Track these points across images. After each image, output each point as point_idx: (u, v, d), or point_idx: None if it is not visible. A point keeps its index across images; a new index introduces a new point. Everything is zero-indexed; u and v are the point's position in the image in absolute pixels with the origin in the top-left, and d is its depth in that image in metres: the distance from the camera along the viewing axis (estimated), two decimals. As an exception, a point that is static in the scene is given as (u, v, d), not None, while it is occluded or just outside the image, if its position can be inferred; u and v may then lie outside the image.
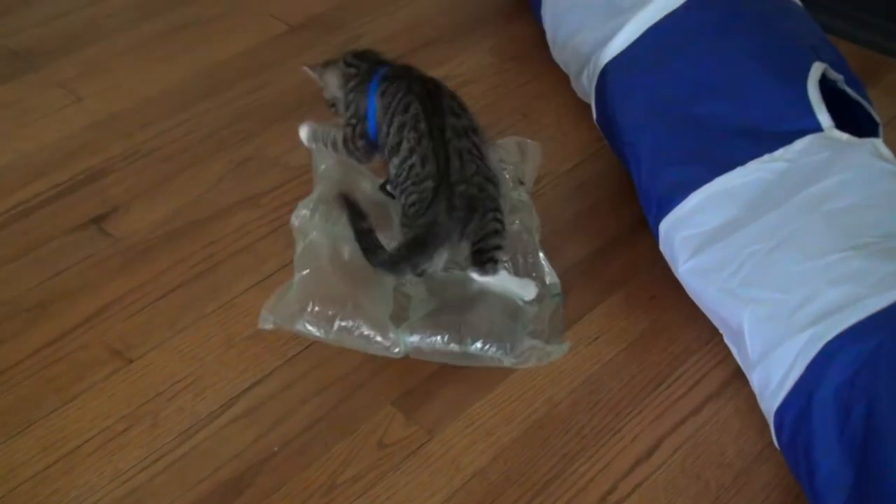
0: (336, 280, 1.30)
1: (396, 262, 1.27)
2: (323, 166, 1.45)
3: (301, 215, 1.38)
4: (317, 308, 1.25)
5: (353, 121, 1.39)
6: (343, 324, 1.25)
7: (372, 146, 1.39)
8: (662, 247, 1.36)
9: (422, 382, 1.28)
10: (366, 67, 1.41)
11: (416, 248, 1.26)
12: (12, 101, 1.73)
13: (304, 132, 1.48)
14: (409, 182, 1.30)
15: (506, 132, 1.64)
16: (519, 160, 1.46)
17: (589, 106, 1.62)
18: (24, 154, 1.62)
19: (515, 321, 1.27)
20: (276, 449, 1.21)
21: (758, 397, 1.21)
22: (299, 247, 1.35)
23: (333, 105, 1.44)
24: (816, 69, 1.35)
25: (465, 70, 1.79)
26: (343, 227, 1.32)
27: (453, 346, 1.25)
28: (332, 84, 1.43)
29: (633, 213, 1.46)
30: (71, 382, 1.28)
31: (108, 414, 1.24)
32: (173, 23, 1.92)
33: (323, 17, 1.92)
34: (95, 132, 1.66)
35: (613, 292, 1.41)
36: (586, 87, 1.60)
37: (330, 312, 1.25)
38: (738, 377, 1.28)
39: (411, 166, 1.30)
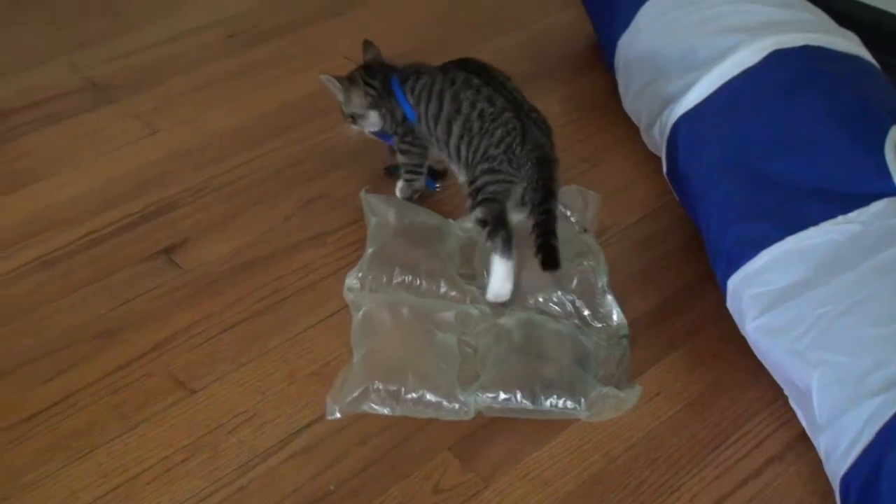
0: (396, 351, 1.30)
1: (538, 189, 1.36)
2: (374, 220, 1.47)
3: (352, 288, 1.39)
4: (380, 386, 1.25)
5: (396, 127, 1.55)
6: (409, 396, 1.25)
7: (422, 137, 1.53)
8: (730, 303, 1.35)
9: (480, 429, 1.28)
10: (380, 84, 1.54)
11: (545, 167, 1.38)
12: (91, 130, 1.77)
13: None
14: (486, 126, 1.41)
15: (574, 181, 1.63)
16: (583, 208, 1.45)
17: (659, 158, 1.62)
18: (99, 183, 1.66)
19: (586, 368, 1.27)
20: (332, 488, 1.21)
21: (823, 462, 1.19)
22: (354, 321, 1.35)
23: (352, 117, 1.57)
24: (894, 132, 1.33)
25: (534, 118, 1.80)
26: (396, 288, 1.36)
27: (525, 404, 1.25)
28: (357, 103, 1.55)
29: (700, 267, 1.45)
30: (134, 410, 1.29)
31: (169, 443, 1.25)
32: (247, 62, 1.96)
33: (396, 60, 1.93)
34: (168, 165, 1.69)
35: (677, 347, 1.39)
36: (657, 139, 1.60)
37: (393, 388, 1.25)
38: (801, 440, 1.26)
39: (481, 112, 1.42)
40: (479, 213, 1.41)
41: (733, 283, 1.33)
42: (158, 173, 1.67)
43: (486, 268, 1.38)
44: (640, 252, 1.53)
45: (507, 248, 1.38)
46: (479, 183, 1.42)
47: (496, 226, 1.39)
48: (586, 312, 1.35)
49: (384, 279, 1.39)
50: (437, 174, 1.64)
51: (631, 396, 1.27)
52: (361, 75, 1.56)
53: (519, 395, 1.24)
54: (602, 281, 1.38)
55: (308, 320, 1.42)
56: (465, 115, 1.44)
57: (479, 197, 1.41)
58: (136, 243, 1.54)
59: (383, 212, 1.49)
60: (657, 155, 1.64)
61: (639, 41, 1.71)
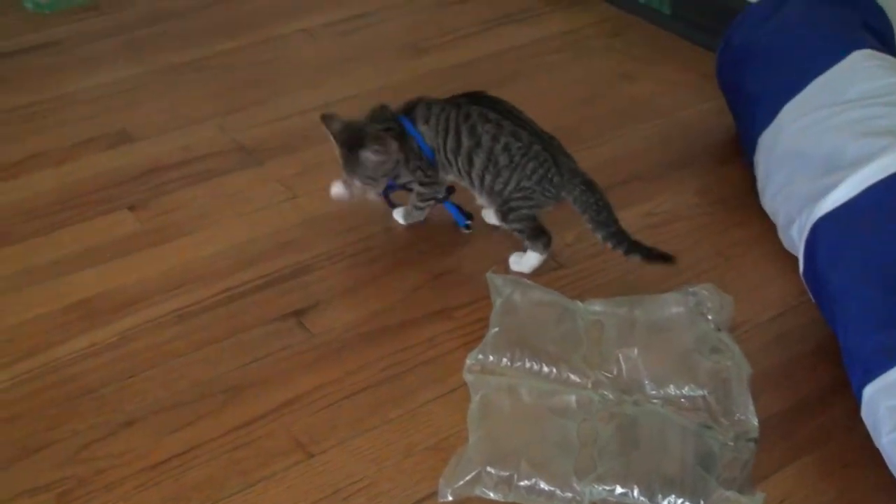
0: (511, 436, 1.29)
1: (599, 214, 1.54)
2: (500, 300, 1.47)
3: (472, 369, 1.39)
4: (493, 471, 1.24)
5: (415, 166, 1.62)
6: (522, 483, 1.24)
7: (435, 170, 1.63)
8: (864, 413, 1.30)
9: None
10: (393, 142, 1.59)
11: (594, 188, 1.55)
12: (236, 190, 1.84)
13: (398, 215, 1.73)
14: (515, 160, 1.53)
15: (706, 274, 1.62)
16: (718, 308, 1.43)
17: (795, 258, 1.58)
18: (238, 242, 1.71)
19: (708, 469, 1.23)
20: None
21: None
22: (473, 402, 1.35)
23: (373, 179, 1.63)
24: None
25: (668, 208, 1.79)
26: (517, 371, 1.36)
27: (643, 501, 1.22)
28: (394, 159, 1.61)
29: (834, 372, 1.41)
30: (255, 468, 1.31)
31: (285, 504, 1.27)
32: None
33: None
34: (305, 229, 1.74)
35: (804, 454, 1.34)
36: (795, 239, 1.57)
37: (506, 474, 1.24)
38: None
39: (506, 146, 1.54)
40: (515, 225, 1.60)
41: (869, 392, 1.28)
42: (295, 237, 1.72)
43: (612, 357, 1.37)
44: (771, 351, 1.50)
45: (547, 248, 1.60)
46: (512, 204, 1.58)
47: (536, 232, 1.60)
48: (717, 409, 1.32)
49: (506, 361, 1.39)
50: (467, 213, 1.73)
51: (753, 503, 1.23)
52: (372, 146, 1.59)
53: (636, 491, 1.22)
54: (741, 380, 1.35)
55: (429, 394, 1.42)
56: (488, 148, 1.55)
57: (512, 215, 1.59)
58: (268, 303, 1.58)
59: (508, 293, 1.49)
60: (794, 254, 1.60)
61: (781, 138, 1.69)
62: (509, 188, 1.56)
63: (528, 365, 1.38)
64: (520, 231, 1.60)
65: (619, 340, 1.40)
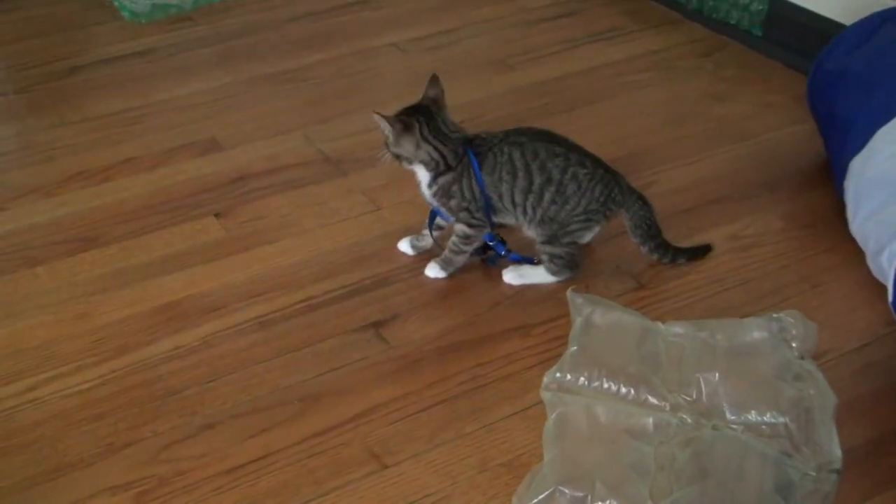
0: (586, 457, 1.28)
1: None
2: (579, 320, 1.46)
3: (549, 387, 1.37)
4: (567, 491, 1.23)
5: (466, 204, 1.60)
6: (596, 505, 1.23)
7: (488, 215, 1.62)
8: (952, 450, 1.26)
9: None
10: (451, 154, 1.58)
11: (646, 204, 1.63)
12: (319, 201, 1.86)
13: (404, 246, 1.72)
14: (584, 185, 1.58)
15: (790, 300, 1.59)
16: (803, 335, 1.40)
17: (883, 286, 1.55)
18: (320, 252, 1.73)
19: (787, 499, 1.20)
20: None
21: None
22: (549, 421, 1.34)
23: (398, 157, 1.61)
24: None
25: (753, 232, 1.76)
26: (594, 391, 1.34)
27: (718, 528, 1.20)
28: (408, 150, 1.59)
29: (922, 407, 1.37)
30: (328, 477, 1.33)
31: (358, 514, 1.28)
32: (473, 148, 2.01)
33: (618, 161, 1.92)
34: (387, 241, 1.75)
35: (887, 489, 1.31)
36: (885, 266, 1.53)
37: (580, 495, 1.22)
38: None
39: (574, 175, 1.57)
40: (557, 249, 1.62)
41: (959, 428, 1.24)
42: (377, 248, 1.73)
43: (692, 380, 1.35)
44: (857, 381, 1.46)
45: (564, 276, 1.64)
46: (570, 227, 1.61)
47: (570, 263, 1.64)
48: (798, 438, 1.29)
49: (583, 381, 1.37)
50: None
51: (834, 536, 1.20)
52: (421, 127, 1.58)
53: (711, 516, 1.20)
54: (825, 409, 1.31)
55: (505, 410, 1.42)
56: (558, 181, 1.57)
57: (567, 238, 1.61)
58: (348, 314, 1.60)
59: (588, 312, 1.48)
60: (882, 283, 1.57)
61: (873, 164, 1.65)
62: (576, 211, 1.59)
63: (605, 385, 1.36)
64: (559, 257, 1.62)
65: (699, 364, 1.37)
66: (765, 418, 1.30)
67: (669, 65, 2.32)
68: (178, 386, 1.47)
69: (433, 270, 1.67)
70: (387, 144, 1.61)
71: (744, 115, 2.11)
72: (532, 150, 1.58)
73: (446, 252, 1.66)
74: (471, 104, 2.15)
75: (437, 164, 1.59)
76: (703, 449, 1.27)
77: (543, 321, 1.57)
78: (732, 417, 1.31)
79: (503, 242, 1.68)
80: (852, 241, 1.69)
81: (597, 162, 1.60)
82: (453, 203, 1.61)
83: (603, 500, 1.22)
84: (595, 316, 1.46)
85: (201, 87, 2.24)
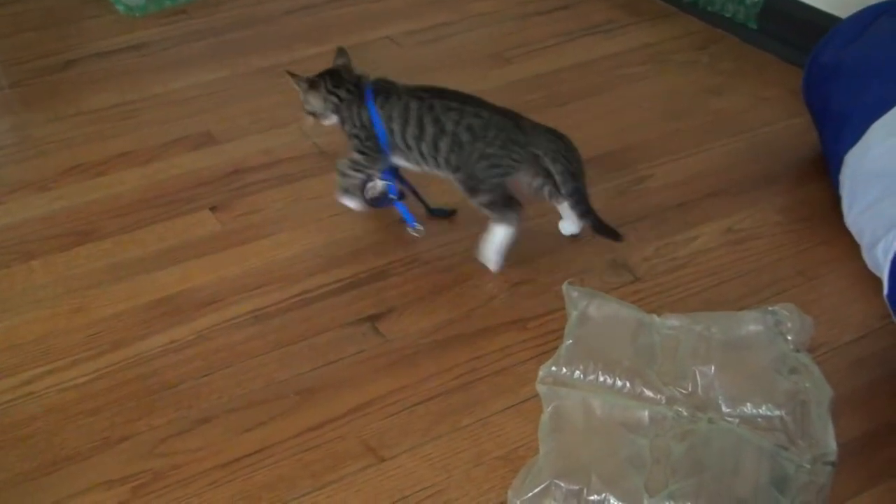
0: (582, 450, 1.28)
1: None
2: (575, 313, 1.46)
3: (545, 380, 1.38)
4: (563, 485, 1.23)
5: (356, 131, 1.69)
6: (592, 498, 1.22)
7: (382, 149, 1.68)
8: (947, 442, 1.26)
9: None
10: (346, 92, 1.69)
11: (562, 138, 1.62)
12: (315, 195, 1.86)
13: (343, 200, 1.77)
14: (478, 133, 1.59)
15: (786, 293, 1.59)
16: (798, 329, 1.40)
17: (879, 279, 1.55)
18: (315, 246, 1.73)
19: (782, 492, 1.21)
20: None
21: None
22: (544, 414, 1.34)
23: (313, 114, 1.72)
24: None
25: (749, 225, 1.76)
26: (590, 384, 1.34)
27: (714, 520, 1.20)
28: (315, 105, 1.71)
29: (917, 399, 1.37)
30: (325, 470, 1.33)
31: (354, 508, 1.28)
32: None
33: (614, 155, 1.95)
34: (383, 235, 1.75)
35: (882, 482, 1.31)
36: (880, 259, 1.53)
37: (575, 488, 1.23)
38: None
39: (469, 126, 1.60)
40: (483, 198, 1.63)
41: (953, 420, 1.25)
42: (373, 242, 1.73)
43: (688, 373, 1.35)
44: (851, 374, 1.47)
45: (515, 221, 1.63)
46: (479, 175, 1.62)
47: (506, 203, 1.63)
48: (794, 430, 1.30)
49: (579, 374, 1.38)
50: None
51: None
52: (325, 82, 1.70)
53: (707, 509, 1.20)
54: (820, 402, 1.32)
55: (501, 403, 1.42)
56: (451, 132, 1.61)
57: (482, 186, 1.62)
58: (343, 307, 1.60)
59: (584, 305, 1.48)
60: (877, 276, 1.57)
61: (869, 157, 1.65)
62: (473, 158, 1.61)
63: (601, 378, 1.36)
64: (490, 203, 1.63)
65: (695, 357, 1.38)
66: (760, 411, 1.30)
67: (665, 58, 2.32)
68: (174, 380, 1.47)
69: (341, 197, 1.78)
70: (305, 109, 1.72)
71: (740, 108, 2.11)
72: (429, 105, 1.63)
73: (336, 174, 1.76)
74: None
75: (338, 106, 1.70)
76: (698, 442, 1.27)
77: (539, 315, 1.57)
78: (728, 410, 1.31)
79: (402, 195, 1.77)
80: (848, 234, 1.69)
81: (495, 110, 1.63)
82: (346, 127, 1.71)
83: (599, 494, 1.22)
84: (591, 309, 1.47)
85: (196, 80, 2.24)
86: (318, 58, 2.32)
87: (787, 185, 1.89)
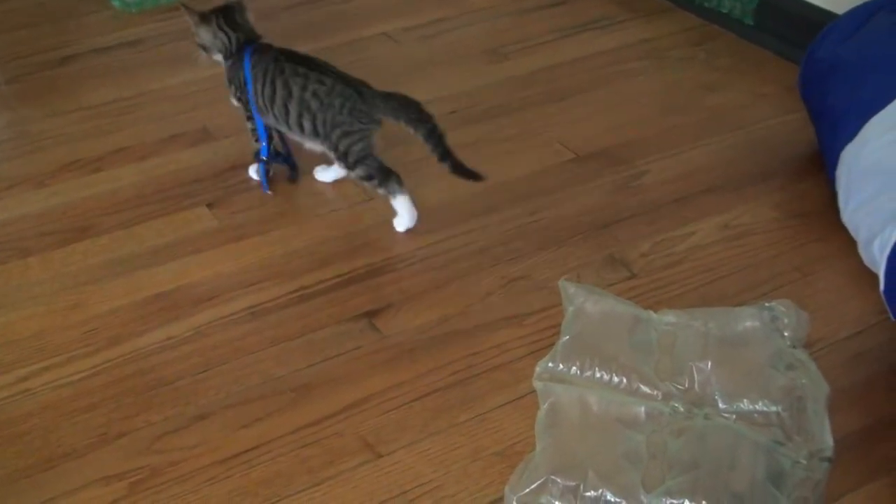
0: (579, 446, 1.28)
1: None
2: (571, 309, 1.46)
3: (542, 376, 1.38)
4: (559, 480, 1.23)
5: (238, 92, 1.81)
6: (589, 494, 1.22)
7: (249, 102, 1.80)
8: (943, 437, 1.27)
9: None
10: (235, 42, 1.79)
11: (401, 97, 1.71)
12: (314, 191, 1.86)
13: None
14: (324, 101, 1.70)
15: (782, 289, 1.60)
16: (795, 325, 1.40)
17: (875, 275, 1.55)
18: (312, 242, 1.73)
19: (779, 488, 1.21)
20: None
21: None
22: (541, 410, 1.34)
23: (203, 47, 1.82)
24: None
25: (746, 221, 1.77)
26: (587, 380, 1.35)
27: (710, 514, 1.20)
28: (206, 39, 1.80)
29: (913, 395, 1.38)
30: (322, 466, 1.33)
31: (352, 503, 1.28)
32: (465, 139, 2.00)
33: (610, 151, 1.95)
34: (381, 231, 1.75)
35: (879, 477, 1.32)
36: (877, 255, 1.54)
37: (572, 484, 1.23)
38: None
39: (315, 92, 1.70)
40: (360, 171, 1.73)
41: (949, 416, 1.25)
42: (371, 238, 1.73)
43: (684, 369, 1.35)
44: (847, 370, 1.47)
45: (401, 184, 1.72)
46: (342, 148, 1.72)
47: (382, 174, 1.72)
48: (790, 426, 1.30)
49: (575, 370, 1.38)
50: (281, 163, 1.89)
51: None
52: (217, 18, 1.78)
53: (704, 504, 1.20)
54: (817, 398, 1.32)
55: (498, 399, 1.42)
56: (298, 97, 1.71)
57: (351, 159, 1.72)
58: (341, 303, 1.60)
59: (580, 301, 1.48)
60: (874, 271, 1.57)
61: (865, 153, 1.65)
62: (327, 127, 1.71)
63: (598, 374, 1.37)
64: (369, 177, 1.73)
65: (691, 353, 1.38)
66: (757, 407, 1.31)
67: (662, 54, 2.32)
68: (171, 376, 1.47)
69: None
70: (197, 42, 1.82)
71: (736, 104, 2.11)
72: (280, 68, 1.73)
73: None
74: (464, 94, 2.15)
75: (227, 48, 1.79)
76: (695, 437, 1.27)
77: (536, 311, 1.57)
78: (724, 406, 1.31)
79: (279, 153, 1.87)
80: (844, 230, 1.69)
81: (338, 77, 1.72)
82: (231, 88, 1.82)
83: (595, 489, 1.22)
84: (587, 305, 1.47)
85: (192, 76, 2.23)
86: (314, 54, 2.32)
87: (784, 181, 1.89)
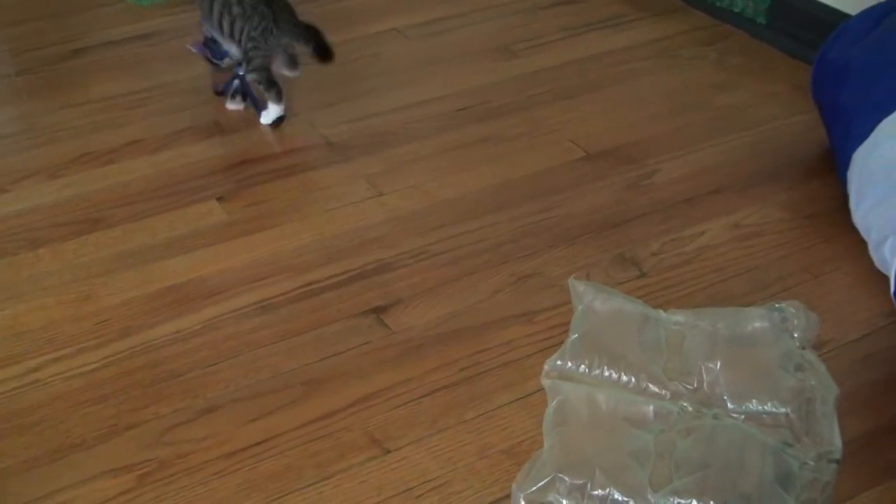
0: (586, 444, 1.28)
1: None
2: (581, 307, 1.46)
3: (550, 374, 1.38)
4: (567, 479, 1.23)
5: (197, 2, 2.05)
6: (596, 493, 1.22)
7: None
8: (951, 441, 1.27)
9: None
10: None
11: (302, 26, 2.00)
12: (322, 186, 1.86)
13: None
14: (247, 12, 1.95)
15: (791, 290, 1.60)
16: (804, 326, 1.40)
17: (885, 277, 1.55)
18: (322, 237, 1.73)
19: (786, 489, 1.21)
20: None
21: None
22: (549, 408, 1.34)
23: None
24: None
25: (755, 221, 1.77)
26: (595, 378, 1.35)
27: (717, 515, 1.20)
28: None
29: (922, 398, 1.38)
30: (330, 461, 1.33)
31: (359, 499, 1.28)
32: (475, 135, 2.01)
33: (621, 150, 1.95)
34: (390, 227, 1.75)
35: (887, 479, 1.31)
36: (888, 257, 1.54)
37: (580, 482, 1.23)
38: None
39: (239, 2, 1.94)
40: (255, 76, 2.01)
41: (958, 419, 1.25)
42: (380, 234, 1.74)
43: (693, 369, 1.35)
44: (856, 372, 1.47)
45: (280, 98, 2.03)
46: (249, 55, 1.98)
47: (270, 83, 2.01)
48: (799, 427, 1.30)
49: (584, 368, 1.38)
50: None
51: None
52: None
53: (711, 504, 1.20)
54: (826, 400, 1.32)
55: (506, 397, 1.43)
56: (227, 8, 1.95)
57: (251, 66, 2.00)
58: (350, 299, 1.60)
59: (589, 299, 1.48)
60: (884, 274, 1.57)
61: (877, 155, 1.65)
62: (243, 37, 1.96)
63: (606, 373, 1.37)
64: (259, 81, 2.02)
65: (700, 352, 1.38)
66: (766, 408, 1.31)
67: (672, 53, 2.32)
68: (181, 369, 1.47)
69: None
70: None
71: (746, 104, 2.11)
72: None
73: None
74: (474, 90, 2.15)
75: None
76: (703, 437, 1.28)
77: (545, 308, 1.57)
78: (733, 406, 1.32)
79: (222, 61, 2.12)
80: (854, 231, 1.69)
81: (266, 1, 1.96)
82: None
83: (603, 488, 1.22)
84: (596, 303, 1.47)
85: (205, 70, 2.24)
86: (327, 49, 2.32)
87: (794, 181, 1.89)
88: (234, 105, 2.10)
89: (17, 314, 1.58)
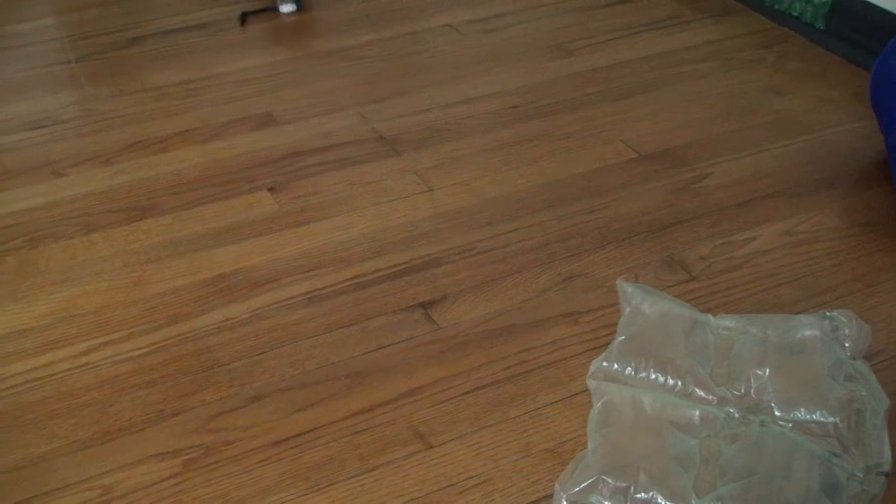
0: (631, 447, 1.27)
1: None
2: (628, 309, 1.45)
3: (596, 375, 1.38)
4: (610, 481, 1.23)
5: None
6: (639, 496, 1.21)
7: None
8: None
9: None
10: None
11: None
12: (372, 179, 1.87)
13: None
14: None
15: (843, 299, 1.57)
16: (856, 336, 1.38)
17: (940, 289, 1.53)
18: (371, 231, 1.74)
19: (834, 500, 1.19)
20: (552, 568, 1.20)
21: None
22: (594, 409, 1.34)
23: None
24: None
25: (807, 228, 1.74)
26: (641, 381, 1.33)
27: (763, 524, 1.19)
28: None
29: (974, 413, 1.35)
30: (373, 454, 1.34)
31: (401, 493, 1.28)
32: (526, 134, 2.01)
33: (673, 152, 1.94)
34: (439, 222, 1.75)
35: (936, 493, 1.30)
36: (943, 269, 1.51)
37: (623, 485, 1.22)
38: None
39: None
40: None
41: None
42: (428, 229, 1.74)
43: (741, 375, 1.34)
44: (907, 384, 1.45)
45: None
46: None
47: None
48: (847, 438, 1.28)
49: (630, 370, 1.37)
50: None
51: (880, 538, 1.19)
52: None
53: (756, 513, 1.19)
54: (876, 411, 1.30)
55: (550, 396, 1.42)
56: None
57: None
58: (397, 293, 1.60)
59: (637, 301, 1.47)
60: (940, 285, 1.55)
61: (935, 164, 1.63)
62: None
63: (652, 376, 1.36)
64: None
65: (748, 359, 1.37)
66: (814, 417, 1.29)
67: (728, 56, 2.29)
68: (228, 357, 1.49)
69: None
70: None
71: (803, 109, 2.09)
72: None
73: None
74: (527, 88, 2.15)
75: None
76: (749, 444, 1.26)
77: (592, 309, 1.57)
78: (781, 414, 1.30)
79: None
80: (910, 241, 1.67)
81: None
82: None
83: (646, 492, 1.22)
84: (644, 306, 1.46)
85: (258, 62, 2.26)
86: (378, 43, 2.33)
87: (848, 188, 1.86)
88: (286, 7, 2.47)
89: (71, 297, 1.60)
